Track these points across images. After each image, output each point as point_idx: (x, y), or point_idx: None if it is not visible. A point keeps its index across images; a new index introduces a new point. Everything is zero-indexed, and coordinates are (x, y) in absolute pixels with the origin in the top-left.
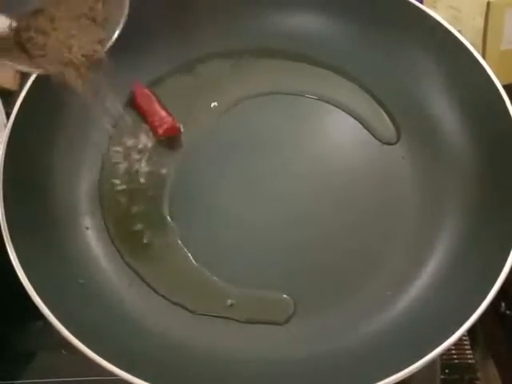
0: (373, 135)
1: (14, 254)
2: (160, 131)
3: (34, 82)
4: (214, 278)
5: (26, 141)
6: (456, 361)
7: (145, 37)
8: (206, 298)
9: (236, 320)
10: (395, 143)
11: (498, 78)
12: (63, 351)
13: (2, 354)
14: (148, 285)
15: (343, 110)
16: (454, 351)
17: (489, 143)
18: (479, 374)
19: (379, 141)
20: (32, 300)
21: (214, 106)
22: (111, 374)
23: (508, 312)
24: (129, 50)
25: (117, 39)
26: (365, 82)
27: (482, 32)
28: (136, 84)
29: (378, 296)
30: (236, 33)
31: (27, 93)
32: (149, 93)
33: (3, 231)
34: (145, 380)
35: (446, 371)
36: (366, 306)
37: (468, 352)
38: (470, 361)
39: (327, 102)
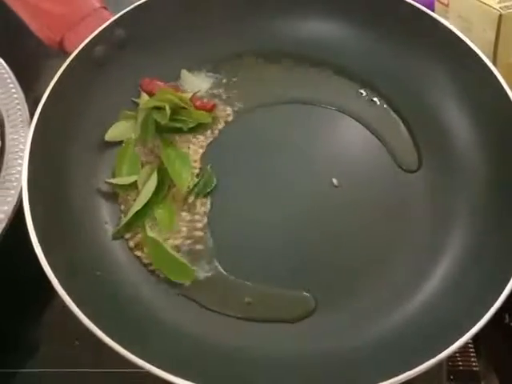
0: (392, 158)
1: (38, 245)
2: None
3: (57, 81)
4: (231, 275)
5: (49, 138)
6: (461, 367)
7: (161, 39)
8: (223, 295)
9: (252, 319)
10: (416, 170)
11: None
12: (76, 342)
13: (14, 343)
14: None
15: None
16: (459, 358)
17: (502, 156)
18: (483, 382)
19: (399, 166)
20: (47, 291)
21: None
22: (122, 365)
23: None
24: (145, 51)
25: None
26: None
27: (492, 44)
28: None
29: (387, 298)
30: (253, 37)
31: (51, 90)
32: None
33: (28, 225)
34: (161, 368)
35: (451, 377)
36: (375, 307)
37: (473, 360)
38: (474, 368)
39: (343, 112)
